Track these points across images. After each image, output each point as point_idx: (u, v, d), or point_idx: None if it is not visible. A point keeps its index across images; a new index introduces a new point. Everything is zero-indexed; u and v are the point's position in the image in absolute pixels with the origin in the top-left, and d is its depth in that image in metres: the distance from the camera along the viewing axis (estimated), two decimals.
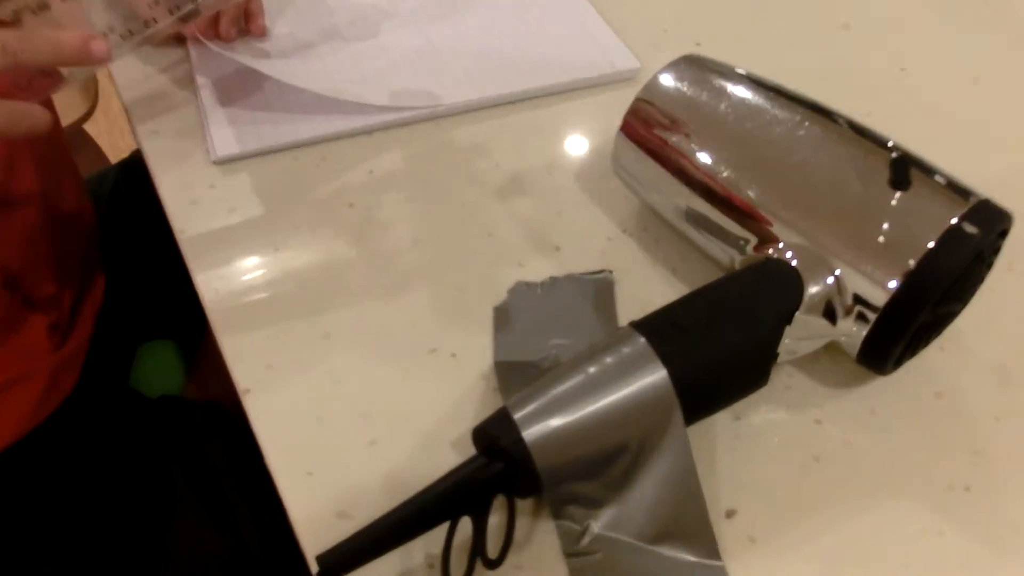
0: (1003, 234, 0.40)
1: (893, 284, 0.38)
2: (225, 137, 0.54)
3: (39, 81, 0.45)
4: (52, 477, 0.58)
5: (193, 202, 0.51)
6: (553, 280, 0.48)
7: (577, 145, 0.57)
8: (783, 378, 0.44)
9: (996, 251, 0.41)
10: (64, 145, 0.66)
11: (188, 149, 0.54)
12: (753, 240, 0.43)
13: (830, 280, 0.39)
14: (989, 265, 0.42)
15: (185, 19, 0.52)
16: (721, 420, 0.42)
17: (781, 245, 0.41)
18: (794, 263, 0.40)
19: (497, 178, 0.55)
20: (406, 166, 0.55)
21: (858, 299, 0.39)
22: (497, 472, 0.35)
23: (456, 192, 0.53)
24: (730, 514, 0.39)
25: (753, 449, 0.41)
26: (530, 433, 0.35)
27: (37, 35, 0.41)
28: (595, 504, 0.37)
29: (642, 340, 0.36)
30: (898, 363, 0.42)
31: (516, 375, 0.43)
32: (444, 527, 0.35)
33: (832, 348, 0.42)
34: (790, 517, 0.39)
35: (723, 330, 0.37)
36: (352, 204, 0.52)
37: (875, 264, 0.38)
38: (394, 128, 0.57)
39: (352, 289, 0.48)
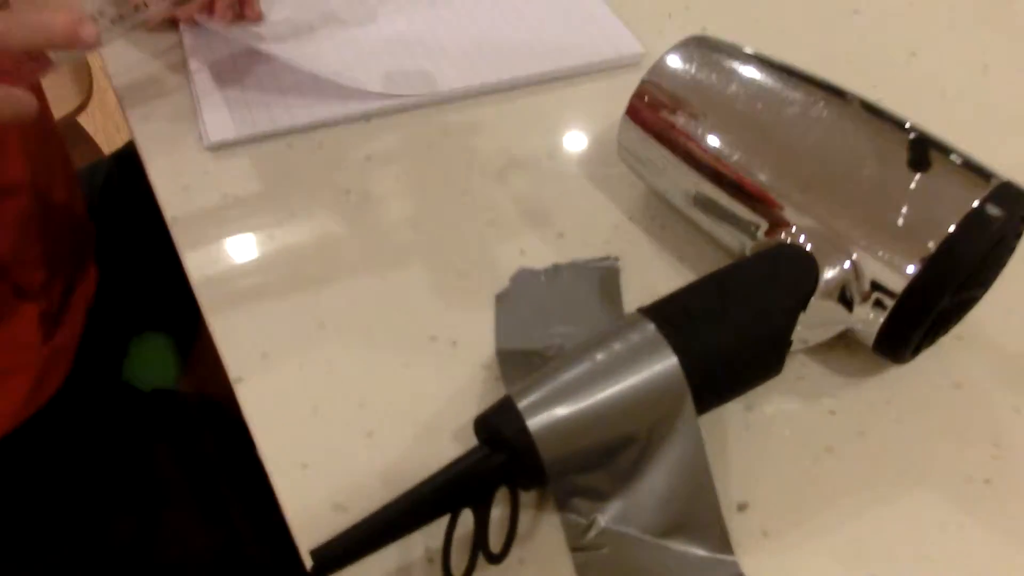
0: None
1: (912, 269, 0.36)
2: (218, 122, 0.53)
3: (26, 65, 0.44)
4: (42, 471, 0.57)
5: (185, 188, 0.50)
6: (557, 267, 0.46)
7: (580, 131, 0.56)
8: (796, 367, 0.43)
9: (1018, 235, 0.40)
10: (55, 133, 0.65)
11: (181, 134, 0.53)
12: (764, 225, 0.41)
13: (846, 265, 0.38)
14: (1011, 249, 0.40)
15: (178, 3, 0.50)
16: (732, 410, 0.41)
17: (794, 229, 0.40)
18: (808, 247, 0.38)
19: (498, 164, 0.53)
20: (405, 152, 0.54)
21: (875, 284, 0.37)
22: (500, 463, 0.33)
23: (456, 178, 0.52)
24: (742, 507, 0.37)
25: (765, 440, 0.40)
26: (535, 422, 0.33)
27: (25, 17, 0.39)
28: (602, 497, 0.35)
29: (651, 326, 0.35)
30: (916, 351, 0.40)
31: (519, 364, 0.41)
32: (444, 520, 0.33)
33: (847, 337, 0.41)
34: (804, 510, 0.37)
35: (736, 316, 0.36)
36: (349, 191, 0.51)
37: (893, 248, 0.37)
38: (392, 114, 0.55)
39: (349, 276, 0.46)
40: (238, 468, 0.59)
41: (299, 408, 0.40)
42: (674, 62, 0.46)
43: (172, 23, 0.60)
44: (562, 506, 0.36)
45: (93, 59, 1.12)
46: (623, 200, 0.51)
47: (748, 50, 0.45)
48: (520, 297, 0.45)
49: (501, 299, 0.45)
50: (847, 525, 0.37)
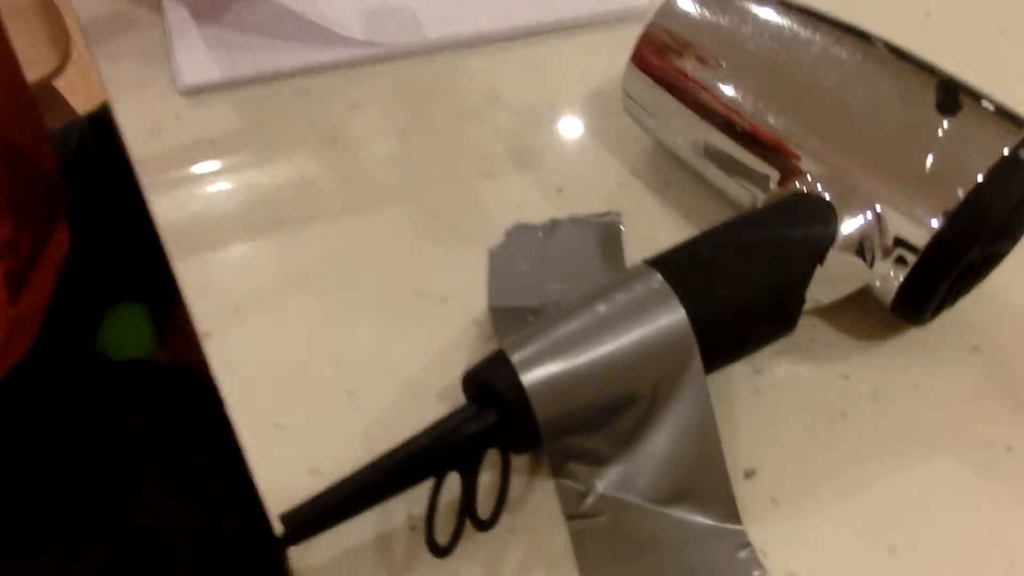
0: None
1: (940, 218, 0.34)
2: (194, 64, 0.49)
3: None
4: (8, 442, 0.54)
5: (155, 133, 0.46)
6: (555, 222, 0.43)
7: (581, 83, 0.52)
8: (807, 329, 0.40)
9: None
10: (24, 89, 0.61)
11: (152, 76, 0.49)
12: (778, 176, 0.38)
13: (868, 216, 0.35)
14: None
15: None
16: (739, 372, 0.38)
17: (809, 178, 0.37)
18: (827, 197, 0.36)
19: (494, 115, 0.50)
20: (395, 101, 0.50)
21: (899, 238, 0.35)
22: (490, 422, 0.31)
23: (449, 129, 0.49)
24: (749, 474, 0.35)
25: (775, 404, 0.37)
26: (529, 378, 0.30)
27: None
28: (601, 461, 0.33)
29: (658, 277, 0.32)
30: (937, 311, 0.37)
31: (513, 322, 0.38)
32: (428, 484, 0.31)
33: (861, 297, 0.38)
34: (815, 477, 0.35)
35: (748, 267, 0.33)
36: (336, 140, 0.48)
37: (919, 197, 0.34)
38: (383, 61, 0.52)
39: (331, 226, 0.43)
40: (214, 441, 0.57)
41: (273, 365, 0.37)
42: (684, 3, 0.42)
43: None
44: (557, 471, 0.33)
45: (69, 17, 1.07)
46: (626, 155, 0.48)
47: None
48: (515, 252, 0.42)
49: (495, 254, 0.42)
50: (861, 493, 0.35)
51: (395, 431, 0.31)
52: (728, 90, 0.40)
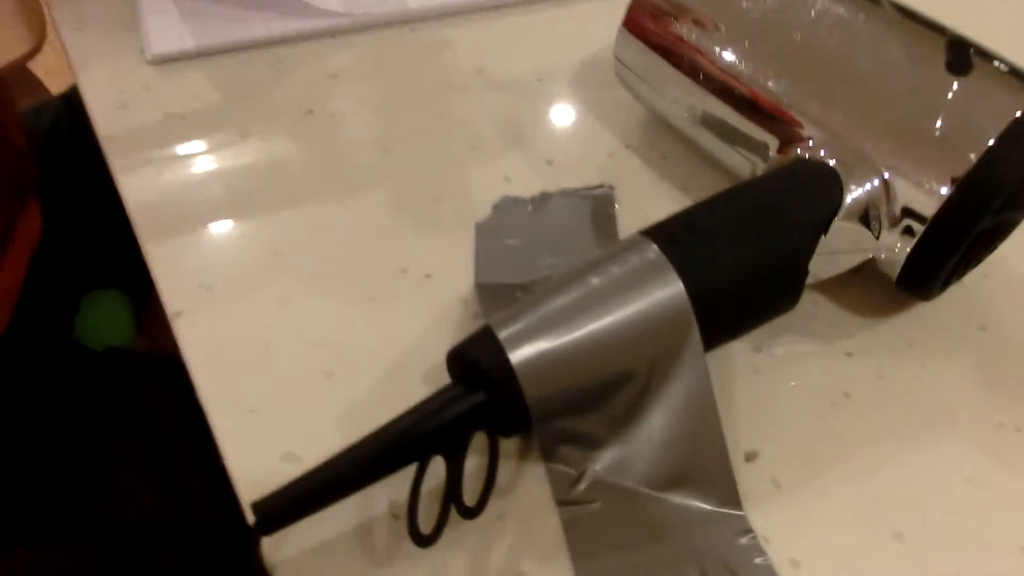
0: None
1: (949, 185, 0.32)
2: (163, 32, 0.47)
3: None
4: None
5: (123, 105, 0.44)
6: (544, 195, 0.41)
7: (572, 53, 0.50)
8: (809, 306, 0.38)
9: None
10: None
11: (119, 45, 0.47)
12: (778, 144, 0.36)
13: (875, 182, 0.33)
14: None
15: None
16: (739, 350, 0.36)
17: (812, 144, 0.35)
18: (831, 163, 0.34)
19: (480, 86, 0.48)
20: (376, 71, 0.48)
21: (906, 207, 0.33)
22: (477, 403, 0.29)
23: (433, 100, 0.47)
24: (751, 457, 0.33)
25: (776, 384, 0.35)
26: (518, 355, 0.28)
27: None
28: (594, 444, 0.31)
29: (654, 247, 0.30)
30: (945, 285, 0.36)
31: (500, 299, 0.36)
32: (411, 470, 0.29)
33: (865, 271, 0.37)
34: (819, 460, 0.33)
35: (750, 236, 0.31)
36: (312, 110, 0.45)
37: (928, 162, 0.32)
38: (363, 30, 0.50)
39: (309, 201, 0.41)
40: (194, 428, 0.55)
41: (247, 345, 0.35)
42: None
43: None
44: (548, 454, 0.31)
45: None
46: (619, 126, 0.46)
47: None
48: (503, 226, 0.40)
49: (482, 228, 0.40)
50: (866, 476, 0.33)
51: (376, 414, 0.29)
52: (725, 54, 0.38)
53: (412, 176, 0.43)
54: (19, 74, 1.05)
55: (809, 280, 0.34)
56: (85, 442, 0.55)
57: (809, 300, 0.38)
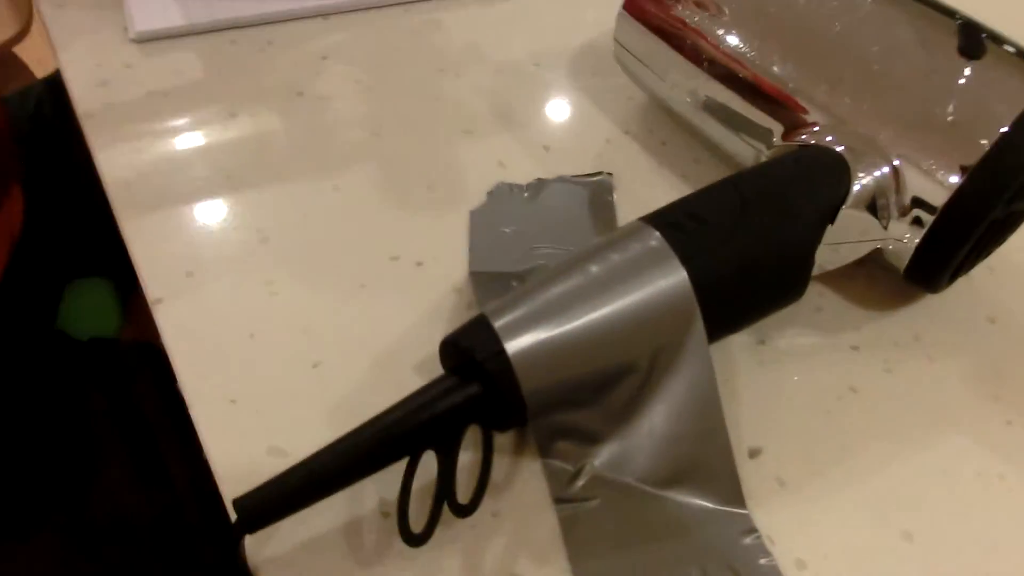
0: None
1: (960, 173, 0.31)
2: (148, 9, 0.45)
3: None
4: None
5: (103, 83, 0.42)
6: (541, 182, 0.40)
7: (570, 36, 0.49)
8: (814, 297, 0.37)
9: None
10: None
11: (101, 22, 0.45)
12: (782, 129, 0.35)
13: (884, 169, 0.32)
14: None
15: None
16: (742, 343, 0.35)
17: (817, 129, 0.34)
18: (839, 149, 0.32)
19: (475, 70, 0.46)
20: (368, 53, 0.47)
21: (916, 196, 0.32)
22: (470, 395, 0.27)
23: (427, 83, 0.45)
24: (754, 453, 0.32)
25: (780, 378, 0.34)
26: (514, 345, 0.27)
27: None
28: (593, 439, 0.30)
29: (656, 234, 0.29)
30: (953, 277, 0.35)
31: (495, 288, 0.35)
32: (402, 465, 0.27)
33: (871, 262, 0.35)
34: (824, 457, 0.32)
35: (756, 223, 0.30)
36: (302, 92, 0.44)
37: (938, 149, 0.31)
38: (355, 11, 0.48)
39: (298, 185, 0.39)
40: (180, 422, 0.53)
41: (231, 334, 0.34)
42: None
43: None
44: (545, 450, 0.30)
45: None
46: (618, 112, 0.45)
47: None
48: (498, 213, 0.38)
49: (476, 215, 0.38)
50: (873, 474, 0.32)
51: (365, 407, 0.28)
52: (728, 37, 0.37)
53: (404, 161, 0.41)
54: (4, 59, 1.02)
55: (814, 271, 0.33)
56: (67, 436, 0.53)
57: (814, 292, 0.37)
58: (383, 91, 0.45)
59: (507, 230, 0.38)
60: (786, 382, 0.34)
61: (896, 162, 0.32)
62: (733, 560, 0.28)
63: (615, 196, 0.40)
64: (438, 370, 0.29)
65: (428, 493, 0.28)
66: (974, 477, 0.32)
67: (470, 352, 0.27)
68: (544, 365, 0.27)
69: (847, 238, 0.33)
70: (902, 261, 0.34)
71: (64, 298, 0.69)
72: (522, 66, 0.47)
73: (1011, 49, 0.33)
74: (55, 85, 0.73)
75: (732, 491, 0.30)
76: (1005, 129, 0.30)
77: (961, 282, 0.37)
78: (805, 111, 0.35)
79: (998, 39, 0.33)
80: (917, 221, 0.32)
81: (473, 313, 0.35)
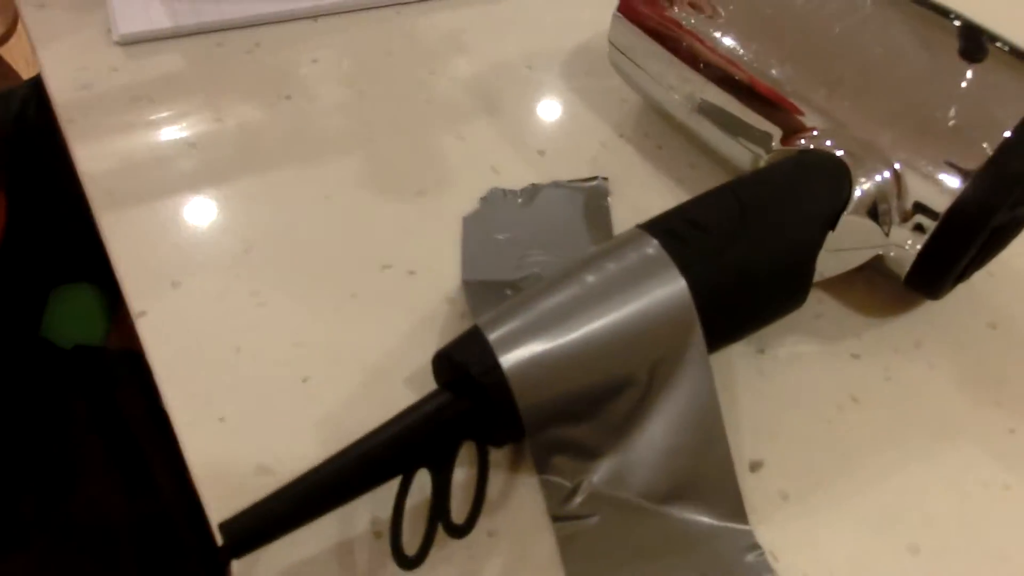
0: None
1: (963, 178, 0.30)
2: (132, 11, 0.44)
3: None
4: None
5: (86, 86, 0.41)
6: (535, 187, 0.39)
7: (563, 38, 0.48)
8: (813, 304, 0.36)
9: None
10: None
11: (84, 24, 0.44)
12: (781, 134, 0.34)
13: (885, 174, 0.31)
14: None
15: None
16: (741, 352, 0.34)
17: (816, 134, 0.33)
18: (839, 154, 0.32)
19: (467, 73, 0.45)
20: (358, 56, 0.46)
21: (918, 202, 0.31)
22: (464, 411, 0.27)
23: (418, 87, 0.44)
24: (755, 466, 0.31)
25: (780, 388, 0.34)
26: (509, 359, 0.26)
27: None
28: (591, 454, 0.29)
29: (654, 242, 0.28)
30: (955, 283, 0.34)
31: (489, 298, 0.34)
32: (395, 484, 0.26)
33: (870, 268, 0.35)
34: (826, 469, 0.31)
35: (754, 232, 0.29)
36: (290, 96, 0.43)
37: (940, 153, 0.31)
38: (345, 13, 0.47)
39: (286, 193, 0.38)
40: (166, 432, 0.53)
41: (217, 348, 0.33)
42: None
43: None
44: (542, 466, 0.29)
45: None
46: (613, 115, 0.44)
47: None
48: (492, 220, 0.38)
49: (469, 222, 0.38)
50: (877, 486, 0.31)
51: (356, 423, 0.27)
52: (725, 39, 0.36)
53: (395, 166, 0.40)
54: None
55: (815, 278, 0.32)
56: (49, 445, 0.52)
57: (813, 298, 0.37)
58: (373, 95, 0.44)
59: (501, 237, 0.37)
60: (786, 392, 0.34)
61: (897, 166, 0.31)
62: None
63: (610, 201, 0.39)
64: (431, 384, 0.29)
65: (422, 512, 0.27)
66: (979, 487, 0.31)
67: (464, 367, 0.26)
68: (541, 379, 0.27)
69: (848, 244, 0.32)
70: (903, 268, 0.33)
71: (49, 304, 0.67)
72: (515, 69, 0.46)
73: (1013, 51, 0.32)
74: (41, 86, 0.71)
75: (734, 506, 0.29)
76: (1008, 134, 0.30)
77: (961, 288, 0.36)
78: (804, 115, 0.34)
79: (1000, 41, 0.32)
80: (919, 227, 0.32)
81: (466, 323, 0.34)
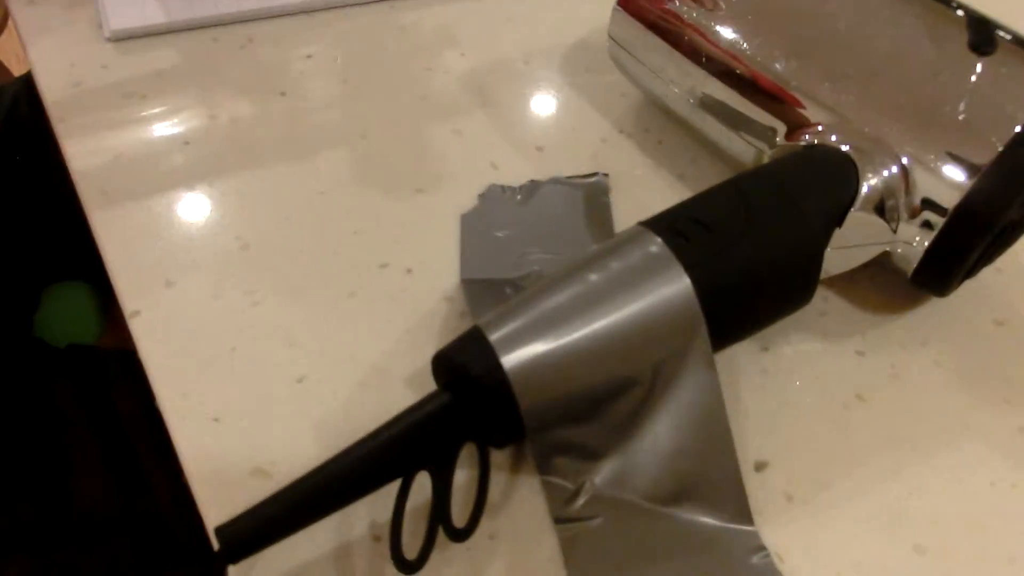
0: None
1: (972, 174, 0.30)
2: (123, 6, 0.43)
3: None
4: None
5: (77, 84, 0.41)
6: (534, 183, 0.39)
7: (561, 32, 0.48)
8: (818, 302, 0.36)
9: None
10: None
11: (74, 20, 0.43)
12: (785, 128, 0.34)
13: (893, 169, 0.31)
14: None
15: None
16: (745, 350, 0.34)
17: (821, 128, 0.32)
18: (845, 149, 0.31)
19: (464, 68, 0.45)
20: (353, 52, 0.45)
21: (926, 199, 0.31)
22: (465, 412, 0.26)
23: (413, 83, 0.44)
24: (760, 467, 0.31)
25: (785, 387, 0.33)
26: (510, 359, 0.26)
27: None
28: (594, 455, 0.28)
29: (657, 240, 0.28)
30: (963, 279, 0.34)
31: (488, 296, 0.34)
32: (395, 487, 0.26)
33: (876, 265, 0.34)
34: (832, 469, 0.31)
35: (760, 229, 0.29)
36: (284, 92, 0.42)
37: (949, 148, 0.30)
38: (339, 8, 0.47)
39: (281, 190, 0.38)
40: (160, 432, 0.52)
41: (212, 348, 0.32)
42: None
43: None
44: (543, 467, 0.29)
45: None
46: (612, 111, 0.43)
47: None
48: (490, 217, 0.37)
49: (468, 219, 0.37)
50: (883, 485, 0.31)
51: (354, 424, 0.27)
52: (727, 32, 0.36)
53: (392, 163, 0.40)
54: None
55: (820, 275, 0.32)
56: (41, 446, 0.52)
57: (819, 296, 0.36)
58: (369, 90, 0.43)
59: (500, 234, 0.36)
60: (791, 391, 0.33)
61: (905, 161, 0.31)
62: None
63: (611, 197, 0.39)
64: (430, 384, 0.28)
65: (422, 515, 0.26)
66: (987, 486, 0.31)
67: (464, 368, 0.26)
68: (542, 380, 0.26)
69: (855, 241, 0.32)
70: (910, 264, 0.33)
71: (42, 303, 0.67)
72: (513, 63, 0.46)
73: (1023, 44, 0.31)
74: (32, 83, 0.71)
75: (739, 507, 0.28)
76: (1019, 128, 0.29)
77: (968, 284, 0.36)
78: (809, 109, 0.33)
79: (1010, 33, 0.32)
80: (927, 224, 0.31)
81: (466, 323, 0.34)
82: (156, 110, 0.40)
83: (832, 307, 0.36)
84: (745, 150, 0.36)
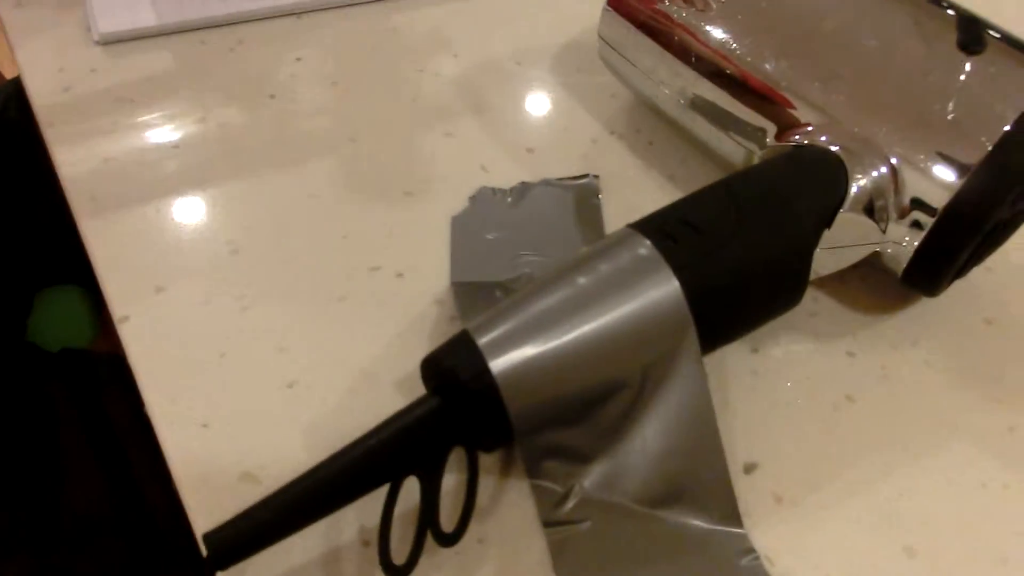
0: None
1: (961, 174, 0.29)
2: (112, 9, 0.43)
3: None
4: None
5: (66, 89, 0.40)
6: (525, 185, 0.39)
7: (552, 33, 0.47)
8: (808, 303, 0.36)
9: None
10: None
11: (63, 23, 0.43)
12: (775, 129, 0.34)
13: (882, 170, 0.31)
14: None
15: None
16: (735, 352, 0.34)
17: (811, 129, 0.32)
18: (835, 149, 0.31)
19: (454, 70, 0.45)
20: (343, 54, 0.45)
21: (916, 199, 0.31)
22: (454, 416, 0.26)
23: (404, 85, 0.44)
24: (749, 468, 0.31)
25: (775, 388, 0.33)
26: (499, 363, 0.26)
27: None
28: (583, 458, 0.28)
29: (646, 242, 0.28)
30: (953, 279, 0.34)
31: (479, 299, 0.34)
32: (383, 492, 0.26)
33: (865, 267, 0.34)
34: (822, 470, 0.31)
35: (749, 230, 0.29)
36: (274, 95, 0.42)
37: (938, 148, 0.30)
38: (328, 9, 0.46)
39: (271, 194, 0.38)
40: (152, 437, 0.52)
41: (202, 353, 0.32)
42: None
43: None
44: (533, 471, 0.29)
45: None
46: (603, 112, 0.43)
47: None
48: (481, 220, 0.37)
49: (458, 222, 0.37)
50: (873, 486, 0.31)
51: (343, 429, 0.26)
52: (717, 33, 0.36)
53: (382, 166, 0.40)
54: None
55: (810, 276, 0.32)
56: (35, 449, 0.51)
57: (808, 297, 0.36)
58: (359, 93, 0.43)
59: (490, 237, 0.36)
60: (781, 392, 0.33)
61: (894, 162, 0.31)
62: None
63: (601, 199, 0.39)
64: (419, 388, 0.28)
65: (411, 520, 0.26)
66: (978, 487, 0.31)
67: (453, 372, 0.26)
68: (531, 383, 0.26)
69: (844, 242, 0.32)
70: (900, 265, 0.33)
71: (34, 307, 0.67)
72: (503, 64, 0.45)
73: (1013, 43, 0.31)
74: (22, 86, 0.70)
75: (728, 509, 0.28)
76: (1008, 128, 0.29)
77: (958, 284, 0.36)
78: (798, 110, 0.33)
79: (999, 32, 0.32)
80: (916, 224, 0.31)
81: (456, 326, 0.33)
82: (145, 115, 0.40)
83: (822, 308, 0.36)
84: (735, 151, 0.36)
